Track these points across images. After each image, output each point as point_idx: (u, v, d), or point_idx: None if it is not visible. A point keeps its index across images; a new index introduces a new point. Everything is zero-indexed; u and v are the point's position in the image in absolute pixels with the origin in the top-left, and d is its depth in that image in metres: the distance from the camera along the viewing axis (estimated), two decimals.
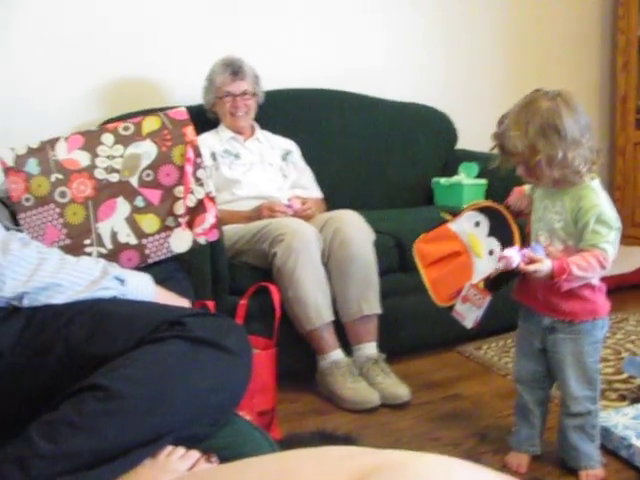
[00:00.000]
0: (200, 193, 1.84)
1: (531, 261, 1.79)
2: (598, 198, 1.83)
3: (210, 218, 1.84)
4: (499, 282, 1.90)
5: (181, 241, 1.84)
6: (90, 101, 3.10)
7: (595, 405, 1.93)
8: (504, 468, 1.99)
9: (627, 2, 4.19)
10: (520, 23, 4.14)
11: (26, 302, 1.38)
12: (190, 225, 1.84)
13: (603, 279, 1.91)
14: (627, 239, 4.02)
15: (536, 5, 4.18)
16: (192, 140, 1.86)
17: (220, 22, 3.31)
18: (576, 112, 1.81)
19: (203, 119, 2.97)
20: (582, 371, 1.91)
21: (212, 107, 3.01)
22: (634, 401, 2.33)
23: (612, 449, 2.02)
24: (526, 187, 2.04)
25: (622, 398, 2.38)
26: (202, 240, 1.86)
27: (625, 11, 4.21)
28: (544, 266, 1.78)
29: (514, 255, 1.78)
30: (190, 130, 1.88)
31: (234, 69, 2.94)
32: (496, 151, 1.91)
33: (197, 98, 3.05)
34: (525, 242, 1.92)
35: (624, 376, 2.50)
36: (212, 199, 1.86)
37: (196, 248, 1.90)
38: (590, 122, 1.85)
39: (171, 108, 2.92)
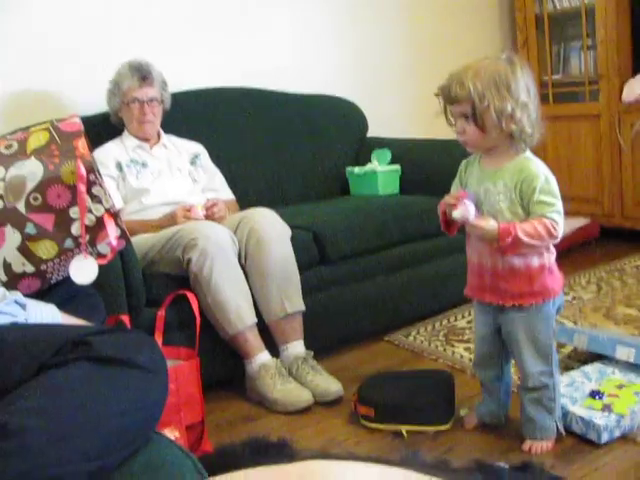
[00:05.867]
0: (99, 210, 1.66)
1: None
2: (538, 168, 1.83)
3: (112, 234, 1.66)
4: None
5: (84, 272, 1.66)
6: None
7: (552, 379, 1.94)
8: (445, 454, 1.97)
9: None
10: (424, 14, 4.20)
11: None
12: (92, 243, 1.67)
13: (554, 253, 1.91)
14: None
15: None
16: (83, 154, 1.64)
17: (121, 24, 3.17)
18: (528, 77, 1.81)
19: (106, 126, 2.86)
20: (536, 347, 1.92)
21: (117, 112, 2.86)
22: (566, 369, 2.35)
23: None
24: (453, 187, 2.01)
25: None
26: (106, 251, 1.73)
27: None
28: (489, 224, 1.79)
29: (471, 208, 1.79)
30: (82, 143, 1.65)
31: (142, 74, 2.78)
32: (440, 107, 1.89)
33: (99, 106, 2.91)
34: None
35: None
36: (112, 214, 1.68)
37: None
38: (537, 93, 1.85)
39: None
